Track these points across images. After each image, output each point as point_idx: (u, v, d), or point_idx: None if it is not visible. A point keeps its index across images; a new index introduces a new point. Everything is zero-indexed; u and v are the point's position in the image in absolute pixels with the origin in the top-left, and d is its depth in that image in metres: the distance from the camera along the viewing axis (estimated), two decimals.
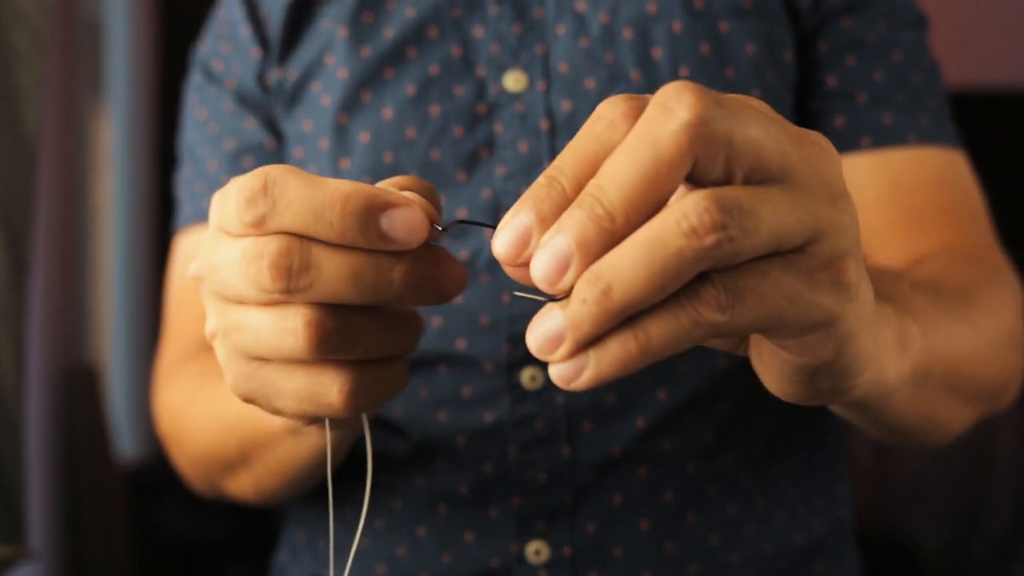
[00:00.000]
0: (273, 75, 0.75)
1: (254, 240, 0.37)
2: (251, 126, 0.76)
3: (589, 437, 0.67)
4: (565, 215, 0.32)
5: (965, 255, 0.66)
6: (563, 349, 0.32)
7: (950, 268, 0.62)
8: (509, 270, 0.34)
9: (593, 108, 0.67)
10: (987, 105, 3.03)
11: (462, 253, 0.68)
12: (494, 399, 0.67)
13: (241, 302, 0.39)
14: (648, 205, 0.31)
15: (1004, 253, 0.69)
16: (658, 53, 0.68)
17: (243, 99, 0.76)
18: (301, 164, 0.74)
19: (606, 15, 0.70)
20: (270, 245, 0.36)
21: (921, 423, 0.54)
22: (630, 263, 0.31)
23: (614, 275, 0.31)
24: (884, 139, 0.70)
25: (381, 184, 0.41)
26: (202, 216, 0.77)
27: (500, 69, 0.70)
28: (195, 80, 0.80)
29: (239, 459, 0.65)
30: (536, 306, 0.67)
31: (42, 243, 1.97)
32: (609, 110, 0.33)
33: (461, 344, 0.68)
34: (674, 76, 0.68)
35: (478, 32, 0.71)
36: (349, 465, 0.73)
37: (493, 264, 0.68)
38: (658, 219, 0.31)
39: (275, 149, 0.76)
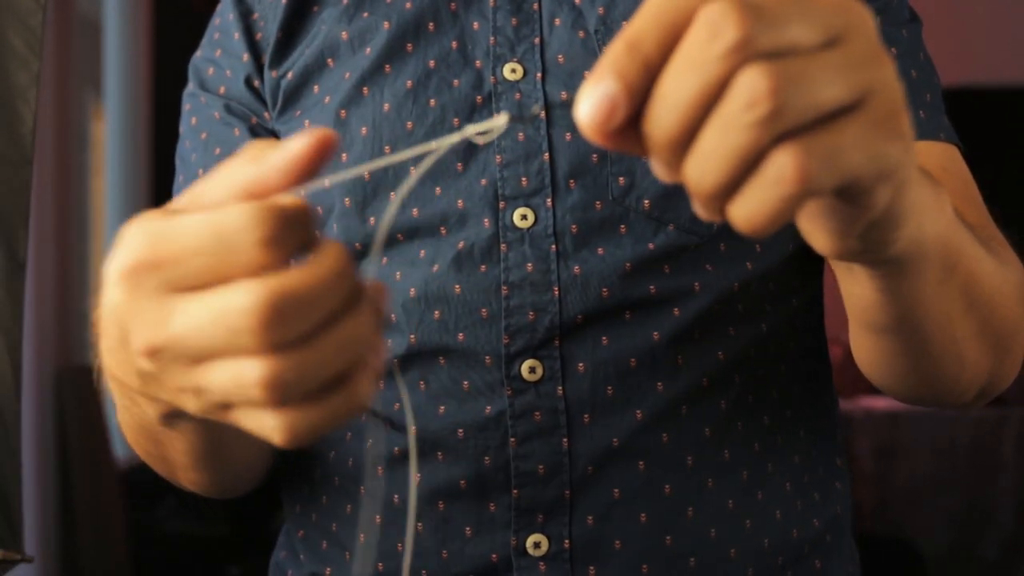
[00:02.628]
0: (267, 77, 0.76)
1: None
2: (238, 134, 0.77)
3: (588, 429, 0.67)
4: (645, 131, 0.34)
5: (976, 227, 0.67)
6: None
7: None
8: (595, 138, 0.35)
9: None
10: (986, 103, 3.03)
11: (459, 244, 0.68)
12: (494, 391, 0.67)
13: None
14: (704, 111, 0.34)
15: None
16: None
17: (230, 107, 0.78)
18: None
19: (602, 8, 0.70)
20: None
21: (942, 337, 0.56)
22: (709, 155, 0.34)
23: (701, 173, 0.34)
24: None
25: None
26: None
27: (498, 61, 0.71)
28: (190, 88, 0.82)
29: (157, 457, 0.66)
30: (531, 293, 0.67)
31: (38, 242, 1.96)
32: None
33: (460, 337, 0.68)
34: None
35: (476, 25, 0.72)
36: (349, 463, 0.72)
37: (491, 254, 0.68)
38: (719, 112, 0.33)
39: None
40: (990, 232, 0.68)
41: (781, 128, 0.33)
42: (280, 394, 0.35)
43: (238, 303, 0.34)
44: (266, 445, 0.69)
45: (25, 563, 1.21)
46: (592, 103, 0.34)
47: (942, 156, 0.71)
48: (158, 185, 2.68)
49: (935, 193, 0.45)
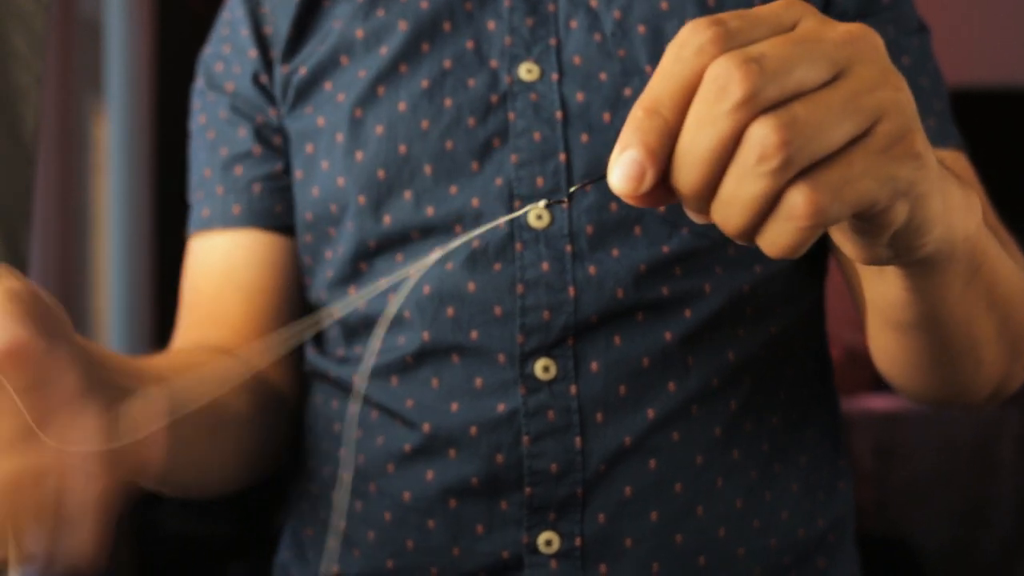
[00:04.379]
0: (278, 72, 0.76)
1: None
2: (243, 134, 0.77)
3: (600, 428, 0.67)
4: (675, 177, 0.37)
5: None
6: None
7: None
8: (631, 202, 0.38)
9: (607, 100, 0.69)
10: (986, 103, 3.03)
11: (474, 243, 0.68)
12: (507, 390, 0.67)
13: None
14: (722, 163, 0.36)
15: None
16: None
17: (237, 106, 0.78)
18: (312, 159, 0.74)
19: (619, 12, 0.71)
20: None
21: (963, 336, 0.57)
22: (731, 202, 0.37)
23: (725, 217, 0.37)
24: None
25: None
26: (200, 224, 0.78)
27: (514, 61, 0.71)
28: (198, 84, 0.81)
29: None
30: (547, 292, 0.67)
31: (40, 241, 1.97)
32: (695, 35, 0.36)
33: (474, 335, 0.68)
34: None
35: (491, 25, 0.72)
36: (359, 460, 0.73)
37: (506, 252, 0.68)
38: (735, 164, 0.36)
39: (263, 156, 0.77)
40: (1000, 234, 0.68)
41: (792, 173, 0.35)
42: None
43: None
44: (229, 442, 0.69)
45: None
46: (623, 171, 0.37)
47: (951, 162, 0.72)
48: (160, 186, 2.68)
49: (964, 195, 0.46)
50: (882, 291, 0.54)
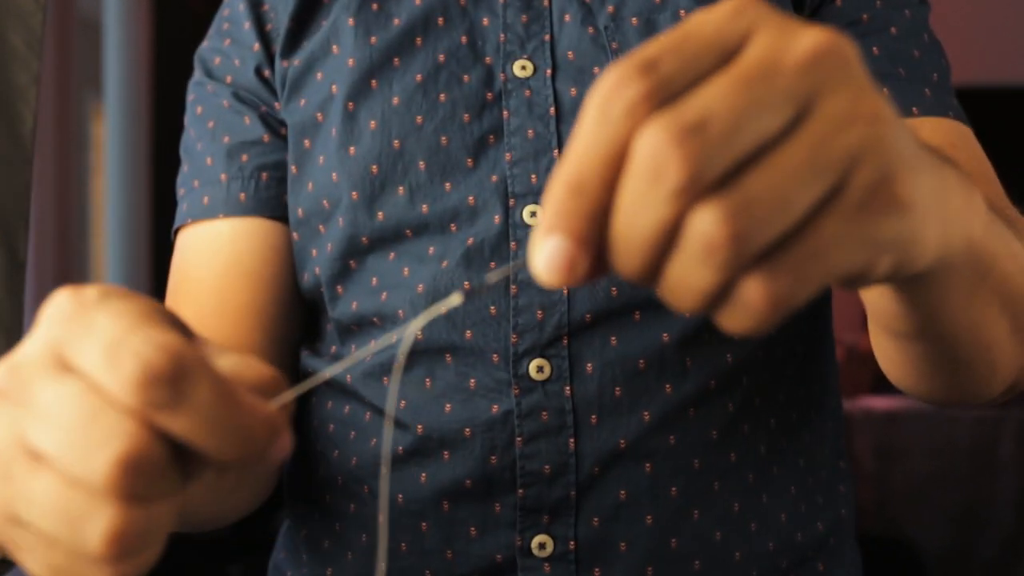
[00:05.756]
0: (278, 66, 0.76)
1: (116, 423, 0.32)
2: (248, 122, 0.76)
3: (595, 430, 0.66)
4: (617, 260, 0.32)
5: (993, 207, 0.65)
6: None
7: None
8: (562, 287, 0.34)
9: None
10: (986, 103, 3.03)
11: (468, 241, 0.68)
12: (501, 390, 0.67)
13: (39, 460, 0.34)
14: (663, 247, 0.32)
15: None
16: None
17: (240, 96, 0.77)
18: (309, 153, 0.74)
19: (612, 6, 0.71)
20: (137, 445, 0.32)
21: (972, 342, 0.53)
22: (677, 287, 0.32)
23: (674, 299, 0.33)
24: None
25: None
26: (200, 213, 0.77)
27: (508, 58, 0.71)
28: (196, 77, 0.81)
29: None
30: (540, 291, 0.67)
31: (38, 241, 1.96)
32: (621, 89, 0.31)
33: (468, 335, 0.68)
34: None
35: (485, 21, 0.72)
36: (353, 462, 0.72)
37: (500, 250, 0.68)
38: (679, 251, 0.31)
39: (273, 144, 0.76)
40: (1007, 211, 0.66)
41: (744, 262, 0.31)
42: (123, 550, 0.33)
43: (93, 526, 0.33)
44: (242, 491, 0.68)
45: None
46: (549, 261, 0.32)
47: (951, 133, 0.70)
48: (158, 184, 2.68)
49: (966, 195, 0.40)
50: (874, 299, 0.51)
